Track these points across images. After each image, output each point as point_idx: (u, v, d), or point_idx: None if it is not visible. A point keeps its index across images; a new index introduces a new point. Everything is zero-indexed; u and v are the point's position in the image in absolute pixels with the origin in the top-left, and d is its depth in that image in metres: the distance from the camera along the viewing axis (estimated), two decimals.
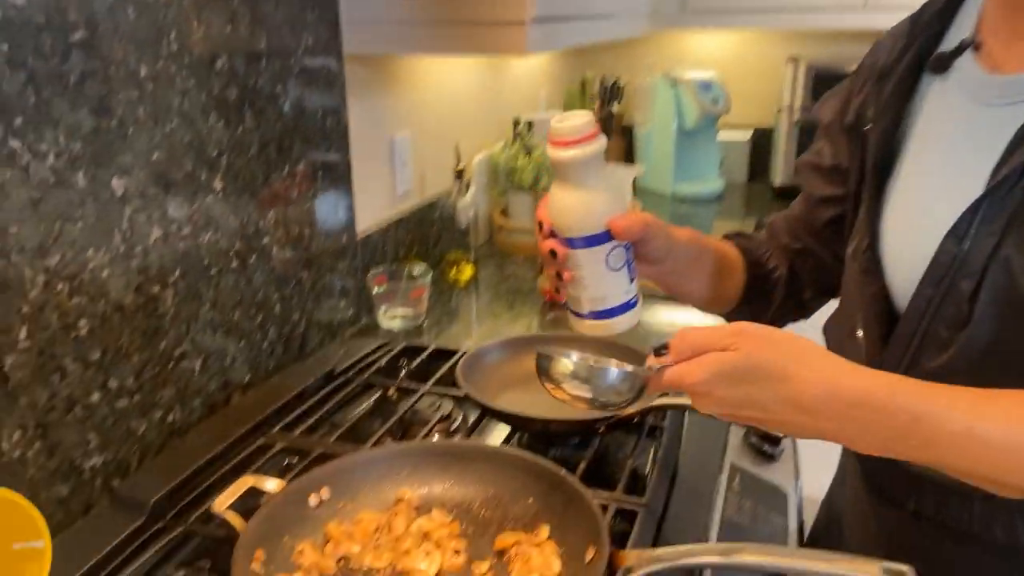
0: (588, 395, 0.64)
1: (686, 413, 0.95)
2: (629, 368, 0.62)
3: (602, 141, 0.66)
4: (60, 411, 0.81)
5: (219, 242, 1.02)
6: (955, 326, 0.58)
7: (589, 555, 0.68)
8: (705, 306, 0.86)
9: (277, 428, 0.96)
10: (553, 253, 0.70)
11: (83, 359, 0.83)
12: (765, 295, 0.86)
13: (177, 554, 0.77)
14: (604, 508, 0.74)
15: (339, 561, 0.72)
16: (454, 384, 1.01)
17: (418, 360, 1.16)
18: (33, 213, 0.76)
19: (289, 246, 1.17)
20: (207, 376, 1.03)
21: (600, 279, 0.70)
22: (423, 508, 0.79)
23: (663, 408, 0.91)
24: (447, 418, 1.01)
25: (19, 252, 0.75)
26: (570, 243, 0.69)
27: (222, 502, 0.72)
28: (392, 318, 1.38)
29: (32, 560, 0.55)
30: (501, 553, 0.73)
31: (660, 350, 0.60)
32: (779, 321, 0.87)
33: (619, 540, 0.75)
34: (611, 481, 0.84)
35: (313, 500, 0.77)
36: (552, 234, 0.70)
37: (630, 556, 0.65)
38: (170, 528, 0.79)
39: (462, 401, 1.01)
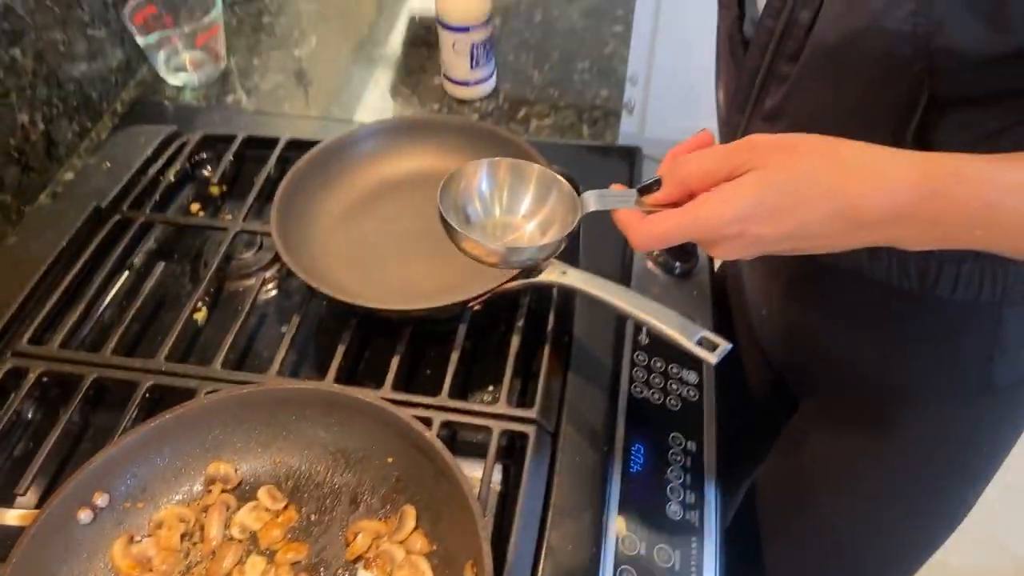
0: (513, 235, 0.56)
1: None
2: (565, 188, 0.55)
3: None
4: None
5: None
6: (793, 61, 0.52)
7: (468, 573, 0.52)
8: None
9: (25, 338, 0.68)
10: None
11: None
12: None
13: None
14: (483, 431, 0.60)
15: None
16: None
17: (223, 165, 0.84)
18: None
19: None
20: None
21: None
22: (247, 487, 0.60)
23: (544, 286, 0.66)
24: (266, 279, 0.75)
25: None
26: None
27: None
28: (177, 72, 0.99)
29: None
30: (355, 562, 0.56)
31: (649, 188, 0.48)
32: None
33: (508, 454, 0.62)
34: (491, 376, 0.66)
35: (84, 516, 0.55)
36: None
37: None
38: None
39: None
